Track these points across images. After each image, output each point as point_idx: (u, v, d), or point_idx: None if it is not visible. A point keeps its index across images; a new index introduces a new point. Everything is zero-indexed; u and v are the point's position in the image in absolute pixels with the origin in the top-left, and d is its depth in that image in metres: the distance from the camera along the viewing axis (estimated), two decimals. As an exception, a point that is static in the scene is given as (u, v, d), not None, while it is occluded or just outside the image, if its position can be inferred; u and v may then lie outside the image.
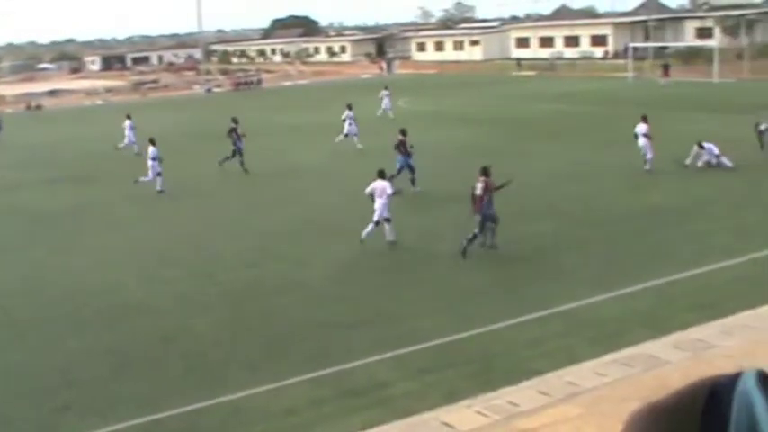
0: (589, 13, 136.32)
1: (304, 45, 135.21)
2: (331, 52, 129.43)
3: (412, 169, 27.23)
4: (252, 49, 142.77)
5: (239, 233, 23.12)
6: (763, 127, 29.83)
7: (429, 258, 19.46)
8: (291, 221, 23.95)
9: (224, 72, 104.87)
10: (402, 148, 27.81)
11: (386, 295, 17.03)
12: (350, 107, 38.40)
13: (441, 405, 11.87)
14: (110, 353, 14.86)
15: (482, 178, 19.58)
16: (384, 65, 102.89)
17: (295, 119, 49.36)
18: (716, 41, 76.76)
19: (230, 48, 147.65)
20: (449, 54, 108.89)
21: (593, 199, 24.43)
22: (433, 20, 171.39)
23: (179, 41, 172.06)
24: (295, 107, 60.15)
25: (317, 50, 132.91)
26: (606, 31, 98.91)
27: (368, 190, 21.08)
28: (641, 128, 27.82)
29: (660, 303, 15.45)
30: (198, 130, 48.88)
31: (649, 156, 27.53)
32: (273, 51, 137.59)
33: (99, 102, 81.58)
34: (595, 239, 20.14)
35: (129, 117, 41.77)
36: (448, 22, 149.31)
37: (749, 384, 0.72)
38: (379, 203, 20.71)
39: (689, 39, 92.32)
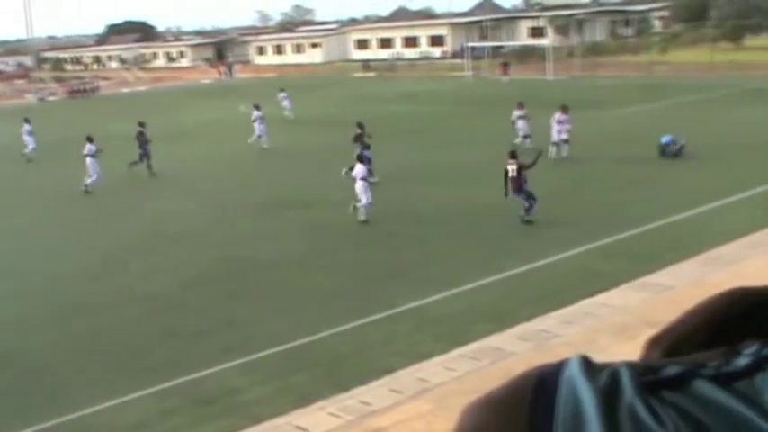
0: (427, 14, 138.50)
1: (141, 51, 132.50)
2: (170, 58, 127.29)
3: (369, 160, 27.25)
4: (87, 55, 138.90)
5: (84, 245, 22.43)
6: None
7: (273, 263, 19.33)
8: (136, 231, 23.39)
9: (58, 80, 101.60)
10: (360, 140, 28.96)
11: (233, 302, 16.84)
12: (258, 107, 38.52)
13: (293, 409, 11.79)
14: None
15: (513, 161, 21.56)
16: (224, 69, 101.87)
17: (133, 126, 48.19)
18: (549, 40, 79.32)
19: (64, 54, 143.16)
20: (289, 57, 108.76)
21: (435, 197, 24.79)
22: (272, 23, 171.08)
23: (8, 49, 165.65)
24: (133, 114, 58.61)
25: (155, 56, 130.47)
26: (444, 31, 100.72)
27: (353, 174, 23.46)
28: (517, 113, 30.55)
29: (504, 297, 15.82)
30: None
31: (524, 136, 30.47)
32: (110, 58, 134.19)
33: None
34: (439, 237, 20.45)
35: (27, 121, 40.23)
36: (287, 26, 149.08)
37: (573, 370, 0.74)
38: (360, 186, 22.97)
39: (523, 38, 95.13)
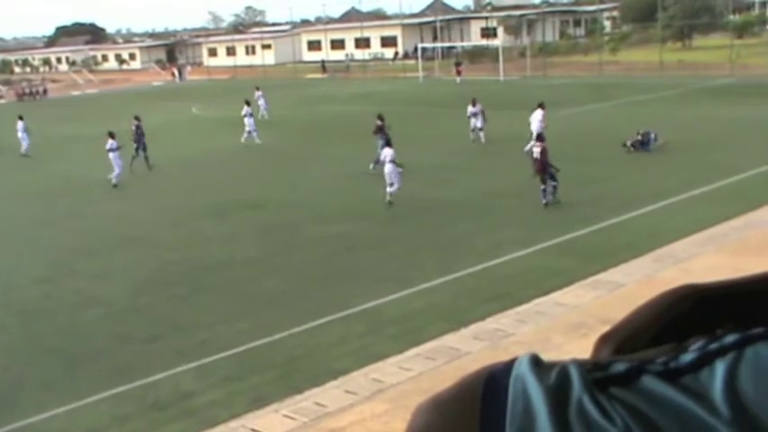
0: (378, 15, 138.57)
1: (91, 53, 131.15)
2: (120, 60, 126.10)
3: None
4: (36, 57, 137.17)
5: (30, 249, 22.14)
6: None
7: (226, 265, 19.20)
8: (86, 234, 23.12)
9: (6, 82, 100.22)
10: (381, 131, 29.72)
11: (185, 305, 16.71)
12: (248, 103, 39.74)
13: (248, 412, 11.76)
14: None
15: (539, 143, 23.19)
16: (176, 71, 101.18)
17: (83, 129, 47.72)
18: (500, 41, 79.79)
19: (12, 56, 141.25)
20: (241, 59, 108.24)
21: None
22: (224, 24, 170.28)
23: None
24: (83, 117, 58.21)
25: (105, 58, 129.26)
26: (395, 32, 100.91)
27: (382, 157, 25.17)
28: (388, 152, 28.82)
29: (459, 296, 15.88)
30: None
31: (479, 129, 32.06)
32: (59, 60, 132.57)
33: None
34: (394, 237, 20.47)
35: (21, 118, 40.80)
36: (239, 27, 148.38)
37: (522, 368, 0.75)
38: (389, 169, 24.34)
39: (475, 38, 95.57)
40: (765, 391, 0.70)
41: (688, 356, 0.76)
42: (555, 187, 22.65)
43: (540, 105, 31.71)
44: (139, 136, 34.14)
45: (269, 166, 32.03)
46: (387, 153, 24.75)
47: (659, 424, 0.71)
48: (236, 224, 23.00)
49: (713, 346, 0.75)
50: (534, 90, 52.58)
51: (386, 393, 11.86)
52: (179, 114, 48.37)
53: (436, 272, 17.21)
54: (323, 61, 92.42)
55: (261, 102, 49.82)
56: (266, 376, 12.99)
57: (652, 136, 29.22)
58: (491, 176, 26.89)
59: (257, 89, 51.37)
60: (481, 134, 33.94)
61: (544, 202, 22.41)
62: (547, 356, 0.78)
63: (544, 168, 22.63)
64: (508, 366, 0.76)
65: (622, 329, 0.85)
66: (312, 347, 13.97)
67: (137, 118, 34.67)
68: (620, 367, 0.75)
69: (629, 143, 29.24)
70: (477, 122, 34.43)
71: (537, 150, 22.97)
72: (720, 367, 0.73)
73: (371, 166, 27.49)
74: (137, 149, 33.72)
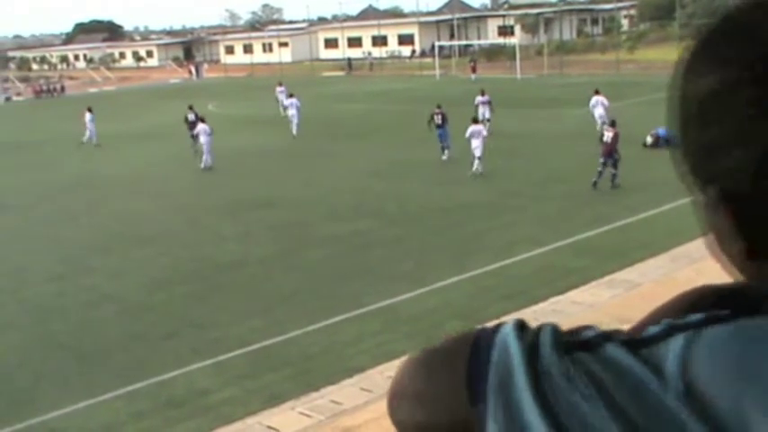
0: (395, 14, 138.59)
1: (109, 50, 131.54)
2: (137, 57, 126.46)
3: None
4: (53, 55, 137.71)
5: (45, 246, 22.22)
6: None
7: (241, 264, 19.20)
8: (101, 231, 23.19)
9: (24, 79, 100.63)
10: (438, 119, 31.48)
11: (199, 302, 16.73)
12: (291, 95, 41.66)
13: (263, 409, 11.77)
14: None
15: (611, 128, 24.33)
16: (192, 69, 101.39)
17: (100, 127, 47.87)
18: (517, 39, 79.64)
19: (30, 54, 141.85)
20: (258, 56, 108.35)
21: (405, 196, 24.79)
22: (240, 22, 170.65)
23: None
24: (100, 115, 58.34)
25: (122, 56, 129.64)
26: (412, 30, 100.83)
27: (467, 134, 27.14)
28: (475, 128, 29.05)
29: (474, 295, 15.85)
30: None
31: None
32: (77, 57, 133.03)
33: None
34: (409, 236, 20.45)
35: (89, 110, 42.26)
36: (256, 25, 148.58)
37: (507, 329, 0.83)
38: (475, 143, 26.62)
39: (492, 37, 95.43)
40: (714, 369, 0.74)
41: (653, 329, 0.80)
42: (614, 175, 23.64)
43: (597, 92, 33.53)
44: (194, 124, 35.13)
45: (284, 163, 32.05)
46: (474, 129, 27.22)
47: (614, 389, 0.76)
48: (250, 222, 23.01)
49: (678, 322, 0.80)
50: (551, 88, 52.49)
51: (401, 391, 11.84)
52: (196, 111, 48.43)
53: (451, 270, 17.17)
54: (349, 59, 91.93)
55: (282, 98, 49.94)
56: (282, 374, 12.99)
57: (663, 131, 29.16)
58: (505, 175, 26.83)
59: (279, 84, 51.52)
60: (488, 124, 34.40)
61: (594, 180, 23.54)
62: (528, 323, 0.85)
63: (610, 153, 23.70)
64: (494, 329, 0.85)
65: (642, 329, 0.86)
66: (327, 345, 13.97)
67: (190, 107, 36.50)
68: (589, 333, 0.82)
69: (648, 141, 29.17)
70: (485, 112, 36.09)
71: (609, 135, 24.02)
72: (678, 343, 0.78)
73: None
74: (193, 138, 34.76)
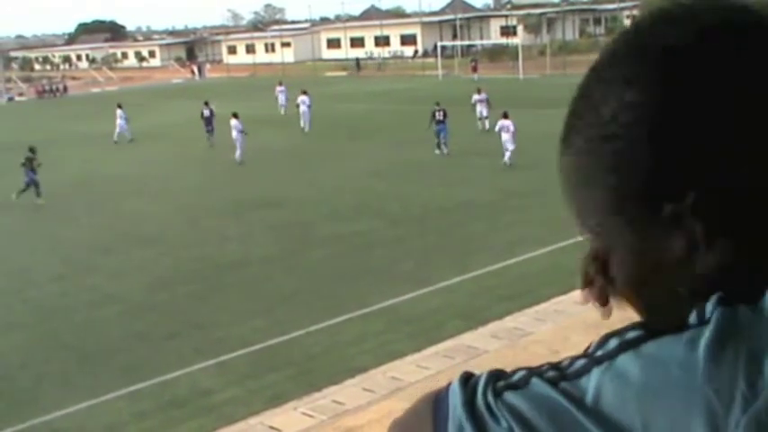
0: (398, 14, 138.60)
1: (111, 50, 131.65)
2: (140, 57, 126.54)
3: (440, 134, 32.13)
4: (56, 55, 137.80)
5: (47, 246, 22.23)
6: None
7: (243, 264, 19.19)
8: (103, 232, 23.19)
9: (27, 80, 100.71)
10: (440, 115, 32.53)
11: (202, 303, 16.72)
12: (305, 92, 42.82)
13: (266, 409, 11.76)
14: None
15: None
16: (195, 69, 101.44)
17: (102, 127, 47.88)
18: (520, 39, 79.65)
19: (33, 54, 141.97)
20: (260, 56, 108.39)
21: (407, 196, 24.78)
22: (243, 22, 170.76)
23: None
24: (102, 115, 58.34)
25: (124, 56, 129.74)
26: (415, 30, 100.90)
27: (497, 128, 28.83)
28: (505, 123, 29.35)
29: (476, 294, 15.83)
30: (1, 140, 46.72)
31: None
32: (79, 57, 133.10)
33: None
34: (411, 236, 20.44)
35: (119, 106, 42.80)
36: (258, 25, 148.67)
37: (455, 385, 0.87)
38: (505, 137, 28.11)
39: (494, 37, 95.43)
40: (623, 398, 0.77)
41: (579, 362, 0.83)
42: None
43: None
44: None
45: (286, 163, 32.06)
46: (503, 123, 28.60)
47: (537, 423, 0.79)
48: (252, 222, 23.01)
49: (599, 353, 0.82)
50: (554, 88, 52.26)
51: (404, 392, 11.83)
52: (198, 112, 48.32)
53: (453, 270, 17.15)
54: (357, 59, 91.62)
55: (281, 97, 50.06)
56: (284, 374, 12.99)
57: None
58: (508, 174, 26.83)
59: (279, 84, 51.66)
60: (486, 122, 36.27)
61: None
62: (566, 355, 0.82)
63: None
64: (448, 386, 0.88)
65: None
66: (329, 345, 13.97)
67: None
68: (518, 374, 0.84)
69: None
70: (483, 110, 37.30)
71: None
72: (595, 376, 0.80)
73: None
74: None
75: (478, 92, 38.01)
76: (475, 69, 67.79)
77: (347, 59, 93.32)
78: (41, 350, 14.87)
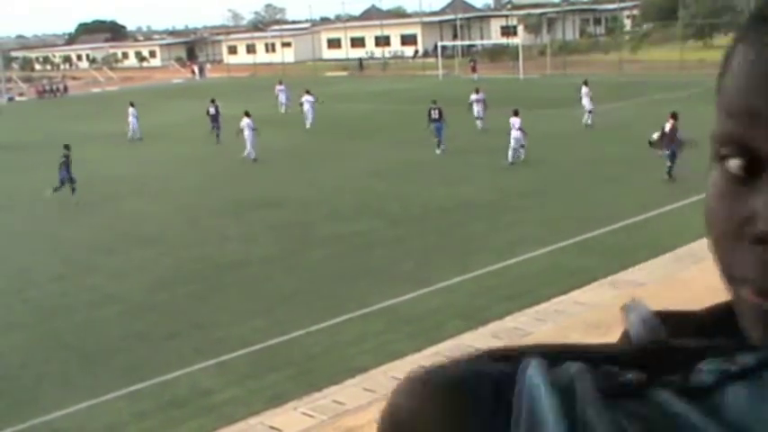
0: (398, 14, 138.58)
1: (111, 50, 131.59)
2: (140, 57, 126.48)
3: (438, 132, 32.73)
4: (56, 55, 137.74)
5: (48, 246, 22.22)
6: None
7: (243, 264, 19.17)
8: (104, 231, 23.18)
9: (27, 80, 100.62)
10: (435, 114, 33.24)
11: (202, 303, 16.72)
12: (309, 91, 44.24)
13: (266, 409, 11.77)
14: None
15: (671, 120, 25.10)
16: (195, 69, 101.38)
17: (103, 127, 47.91)
18: (520, 39, 79.64)
19: (33, 54, 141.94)
20: (261, 56, 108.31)
21: (407, 196, 24.77)
22: (243, 22, 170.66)
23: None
24: (102, 115, 58.41)
25: (125, 56, 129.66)
26: (415, 30, 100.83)
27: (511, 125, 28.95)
28: (514, 121, 29.38)
29: (477, 295, 15.83)
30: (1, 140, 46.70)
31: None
32: (79, 57, 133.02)
33: None
34: (411, 236, 20.43)
35: (132, 105, 43.24)
36: (259, 25, 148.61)
37: (533, 371, 0.73)
38: (515, 134, 28.72)
39: (495, 37, 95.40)
40: None
41: (706, 376, 0.73)
42: (672, 165, 24.33)
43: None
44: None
45: (286, 163, 32.06)
46: (514, 120, 28.88)
47: None
48: (253, 222, 23.01)
49: (733, 368, 0.72)
50: (554, 89, 52.43)
51: (404, 392, 11.83)
52: (198, 112, 48.28)
53: (453, 270, 17.16)
54: (360, 59, 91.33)
55: (282, 96, 50.15)
56: (284, 374, 12.99)
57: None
58: (507, 174, 26.82)
59: (279, 83, 51.76)
60: (479, 123, 37.33)
61: (667, 175, 24.53)
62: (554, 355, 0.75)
63: (669, 144, 24.79)
64: (515, 366, 0.74)
65: (675, 312, 0.82)
66: (330, 345, 13.97)
67: (66, 147, 34.12)
68: (630, 377, 0.73)
69: (654, 137, 29.30)
70: (480, 110, 37.67)
71: (668, 126, 25.03)
72: (740, 390, 0.71)
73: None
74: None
75: (476, 92, 38.30)
76: (474, 69, 67.84)
77: (348, 59, 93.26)
78: (41, 350, 14.87)
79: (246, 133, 33.61)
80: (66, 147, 29.79)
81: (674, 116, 25.33)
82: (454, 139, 32.84)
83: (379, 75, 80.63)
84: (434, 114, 33.16)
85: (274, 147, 36.12)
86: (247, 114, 34.25)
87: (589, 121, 32.55)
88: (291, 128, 42.28)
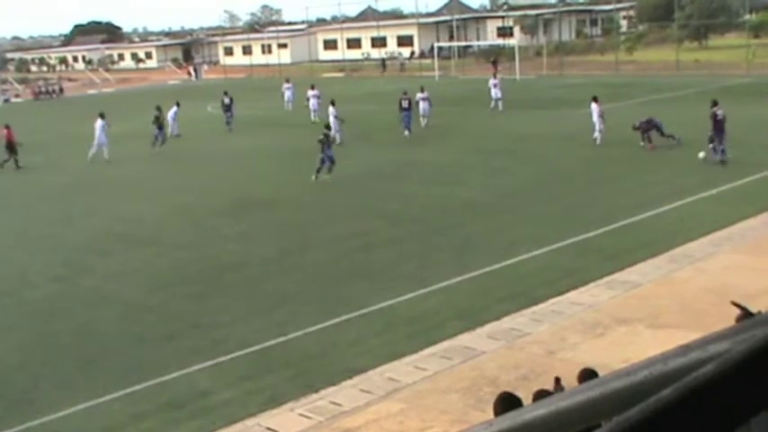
0: (395, 15, 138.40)
1: (107, 52, 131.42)
2: (136, 59, 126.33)
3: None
4: (52, 56, 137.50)
5: (45, 247, 22.20)
6: None
7: (241, 264, 19.16)
8: (101, 233, 23.16)
9: (23, 81, 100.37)
10: (405, 103, 36.94)
11: (200, 304, 16.72)
12: (313, 87, 46.12)
13: (263, 410, 11.79)
14: None
15: (717, 107, 26.10)
16: (192, 70, 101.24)
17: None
18: (516, 40, 79.70)
19: (29, 55, 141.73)
20: (257, 58, 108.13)
21: (405, 196, 24.76)
22: (240, 24, 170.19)
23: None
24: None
25: (121, 57, 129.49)
26: (412, 31, 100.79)
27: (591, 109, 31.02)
28: (594, 107, 31.02)
29: (474, 295, 15.85)
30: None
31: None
32: (75, 59, 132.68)
33: None
34: (409, 236, 20.43)
35: (177, 104, 43.24)
36: (255, 26, 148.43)
37: None
38: (594, 118, 30.78)
39: (491, 38, 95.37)
40: None
41: None
42: (714, 150, 25.69)
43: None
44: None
45: (284, 164, 32.04)
46: (594, 107, 30.56)
47: None
48: (250, 223, 23.00)
49: None
50: (550, 89, 52.46)
51: (401, 393, 11.87)
52: (194, 113, 48.36)
53: (451, 271, 17.18)
54: (383, 59, 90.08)
55: (287, 94, 50.44)
56: (282, 375, 13.00)
57: (657, 121, 29.81)
58: (505, 176, 26.83)
59: (287, 81, 52.20)
60: (499, 103, 42.17)
61: (718, 159, 25.67)
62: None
63: (722, 129, 25.83)
64: None
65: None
66: (327, 346, 13.98)
67: (158, 108, 38.41)
68: None
69: (636, 124, 29.71)
70: (497, 93, 42.28)
71: (721, 113, 25.98)
72: None
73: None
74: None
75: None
76: (494, 70, 63.56)
77: (344, 60, 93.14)
78: (39, 351, 14.87)
79: (331, 120, 34.20)
80: (158, 108, 36.31)
81: (716, 103, 26.29)
82: (453, 139, 32.85)
83: (375, 76, 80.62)
84: (404, 104, 36.73)
85: (272, 148, 36.15)
86: (332, 103, 36.13)
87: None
88: (291, 128, 42.46)
